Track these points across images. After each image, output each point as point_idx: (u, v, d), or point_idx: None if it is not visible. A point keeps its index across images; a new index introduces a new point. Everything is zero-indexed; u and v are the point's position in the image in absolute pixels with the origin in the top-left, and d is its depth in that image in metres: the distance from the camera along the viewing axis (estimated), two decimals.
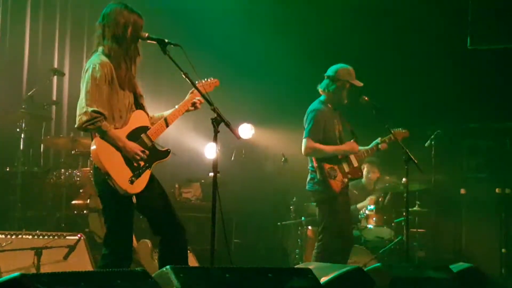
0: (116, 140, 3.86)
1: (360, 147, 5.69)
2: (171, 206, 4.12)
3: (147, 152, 3.97)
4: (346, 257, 5.66)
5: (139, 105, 4.11)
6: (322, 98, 5.68)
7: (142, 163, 3.92)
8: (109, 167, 3.81)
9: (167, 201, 4.13)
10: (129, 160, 3.88)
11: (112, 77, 3.88)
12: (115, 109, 3.92)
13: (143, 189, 3.93)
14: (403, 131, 5.80)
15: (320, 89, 5.68)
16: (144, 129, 4.05)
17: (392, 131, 5.60)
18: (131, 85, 4.03)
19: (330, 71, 5.65)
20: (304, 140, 5.52)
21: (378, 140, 5.73)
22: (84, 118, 3.78)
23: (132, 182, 3.86)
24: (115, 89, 3.91)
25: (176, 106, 4.22)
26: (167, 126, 4.13)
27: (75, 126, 3.89)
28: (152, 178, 4.04)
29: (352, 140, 5.63)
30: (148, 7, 6.31)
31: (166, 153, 4.12)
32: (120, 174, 3.83)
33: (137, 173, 3.89)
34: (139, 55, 4.05)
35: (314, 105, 5.65)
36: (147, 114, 4.13)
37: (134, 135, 3.98)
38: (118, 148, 3.87)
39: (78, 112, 3.83)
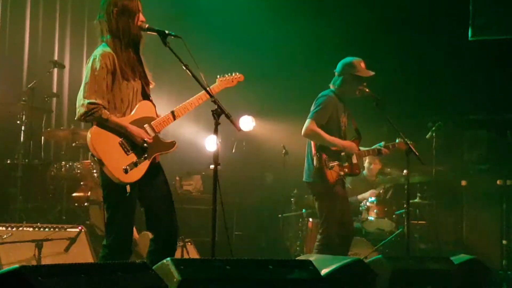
0: (118, 127, 3.84)
1: (362, 147, 5.67)
2: (171, 208, 4.03)
3: (151, 138, 3.95)
4: (347, 249, 5.66)
5: (147, 96, 4.08)
6: (333, 89, 5.67)
7: (136, 156, 3.89)
8: (103, 155, 3.79)
9: (169, 201, 4.04)
10: (126, 149, 3.86)
11: (114, 67, 3.86)
12: (117, 99, 3.90)
13: (144, 180, 3.90)
14: (410, 142, 5.43)
15: (330, 84, 5.69)
16: (148, 119, 4.01)
17: (399, 140, 5.58)
18: (137, 75, 3.99)
19: (337, 66, 5.66)
20: (307, 121, 5.46)
21: (382, 144, 5.69)
22: (82, 110, 3.79)
23: (126, 171, 3.82)
24: (118, 79, 3.88)
25: (187, 100, 4.14)
26: (174, 119, 4.08)
27: (75, 118, 3.89)
28: (157, 171, 4.01)
29: (354, 139, 5.61)
30: None
31: (171, 145, 4.07)
32: (114, 162, 3.80)
33: (133, 162, 3.86)
34: (142, 40, 4.01)
35: (327, 91, 5.64)
36: (154, 106, 4.10)
37: (137, 125, 3.93)
38: (120, 135, 3.85)
39: (77, 105, 3.83)
